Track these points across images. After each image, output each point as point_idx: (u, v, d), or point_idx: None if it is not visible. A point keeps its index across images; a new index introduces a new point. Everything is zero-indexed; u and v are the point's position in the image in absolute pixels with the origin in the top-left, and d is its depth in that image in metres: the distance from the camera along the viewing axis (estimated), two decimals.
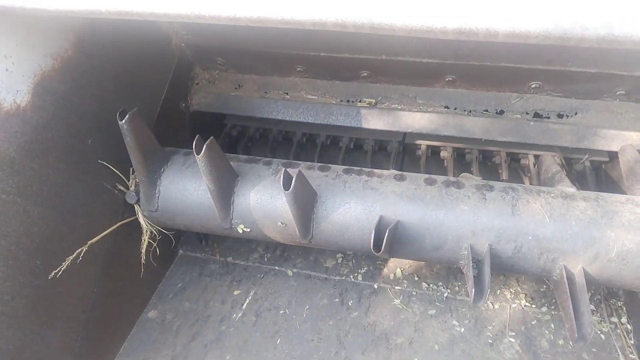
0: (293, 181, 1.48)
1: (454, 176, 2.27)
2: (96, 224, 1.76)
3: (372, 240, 1.49)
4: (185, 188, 1.80)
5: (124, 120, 1.58)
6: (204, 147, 1.53)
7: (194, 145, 1.53)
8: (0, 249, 1.39)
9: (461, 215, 1.62)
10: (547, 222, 1.56)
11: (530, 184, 2.24)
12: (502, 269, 1.68)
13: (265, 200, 1.73)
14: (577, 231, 1.54)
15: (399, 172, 1.78)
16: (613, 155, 2.11)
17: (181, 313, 2.13)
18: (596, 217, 1.55)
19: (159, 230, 1.97)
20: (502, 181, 2.20)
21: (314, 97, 2.24)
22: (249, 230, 1.80)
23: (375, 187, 1.72)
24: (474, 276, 1.59)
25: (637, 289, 1.62)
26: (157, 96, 2.05)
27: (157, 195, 1.83)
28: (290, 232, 1.75)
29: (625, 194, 1.78)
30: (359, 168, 1.81)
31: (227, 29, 1.99)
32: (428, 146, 2.35)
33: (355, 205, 1.69)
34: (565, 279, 1.53)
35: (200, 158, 1.54)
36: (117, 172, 1.81)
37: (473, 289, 1.52)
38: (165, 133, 2.07)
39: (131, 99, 1.85)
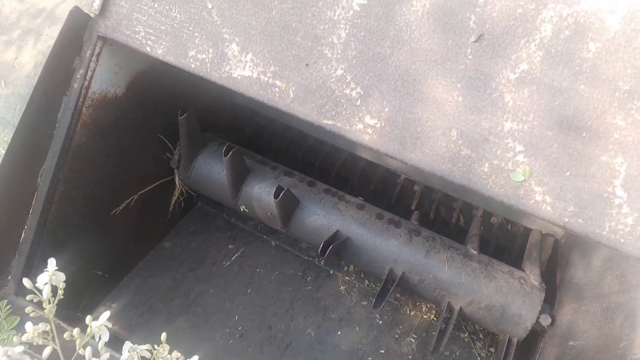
0: (281, 194, 2.16)
1: (415, 207, 2.91)
2: (147, 178, 2.50)
3: (320, 247, 2.17)
4: (212, 169, 2.51)
5: (182, 117, 2.27)
6: (230, 153, 2.21)
7: (224, 150, 2.22)
8: (84, 186, 2.14)
9: (391, 247, 2.28)
10: (446, 270, 2.21)
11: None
12: (407, 291, 2.35)
13: (263, 195, 2.43)
14: (463, 282, 2.19)
15: (362, 202, 2.43)
16: None
17: (187, 250, 2.89)
18: (480, 277, 2.19)
19: (187, 190, 2.70)
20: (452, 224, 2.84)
21: None
22: (247, 211, 2.51)
23: (341, 209, 2.38)
24: (387, 289, 2.27)
25: (496, 332, 2.28)
26: (209, 94, 2.73)
27: (192, 168, 2.54)
28: (275, 221, 2.45)
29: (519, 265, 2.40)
30: (336, 190, 2.47)
31: None
32: (406, 178, 2.97)
33: (323, 217, 2.37)
34: (445, 311, 2.20)
35: (226, 160, 2.23)
36: (169, 144, 2.53)
37: (376, 296, 2.21)
38: (212, 118, 2.77)
39: (191, 96, 2.54)
